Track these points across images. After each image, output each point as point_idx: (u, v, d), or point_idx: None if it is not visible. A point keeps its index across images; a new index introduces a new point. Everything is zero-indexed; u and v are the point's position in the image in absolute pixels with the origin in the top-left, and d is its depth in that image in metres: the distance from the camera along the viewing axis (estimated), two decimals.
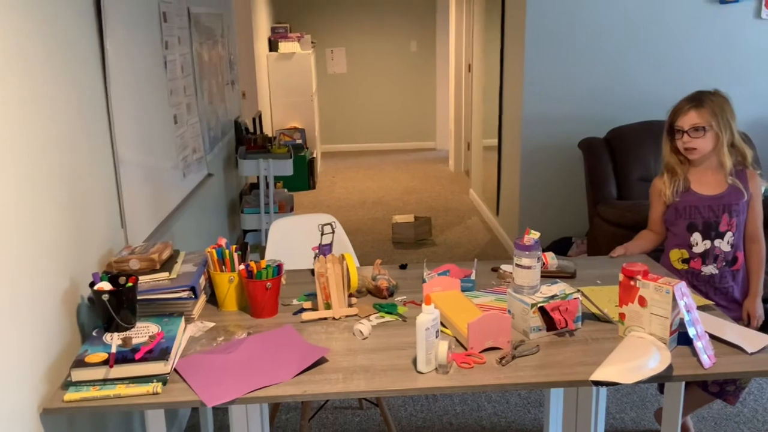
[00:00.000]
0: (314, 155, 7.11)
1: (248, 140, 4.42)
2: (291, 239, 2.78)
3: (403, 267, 2.40)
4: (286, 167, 4.23)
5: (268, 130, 6.99)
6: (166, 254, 2.07)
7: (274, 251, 2.72)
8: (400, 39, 8.79)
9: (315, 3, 8.57)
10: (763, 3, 4.35)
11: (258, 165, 4.16)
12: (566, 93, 4.50)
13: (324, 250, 2.26)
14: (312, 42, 8.34)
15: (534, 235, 1.87)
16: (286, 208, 4.42)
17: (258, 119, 5.27)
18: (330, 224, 2.27)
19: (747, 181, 2.36)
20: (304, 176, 6.88)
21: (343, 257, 2.02)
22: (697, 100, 2.32)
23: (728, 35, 4.41)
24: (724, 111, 2.31)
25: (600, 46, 4.43)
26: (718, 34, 4.40)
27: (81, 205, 1.91)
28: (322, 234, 2.25)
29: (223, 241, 2.16)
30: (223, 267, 2.02)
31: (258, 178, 4.23)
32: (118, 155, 2.18)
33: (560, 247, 4.68)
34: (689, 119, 2.31)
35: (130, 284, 1.80)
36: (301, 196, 6.72)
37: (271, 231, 2.76)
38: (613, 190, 4.07)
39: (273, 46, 7.26)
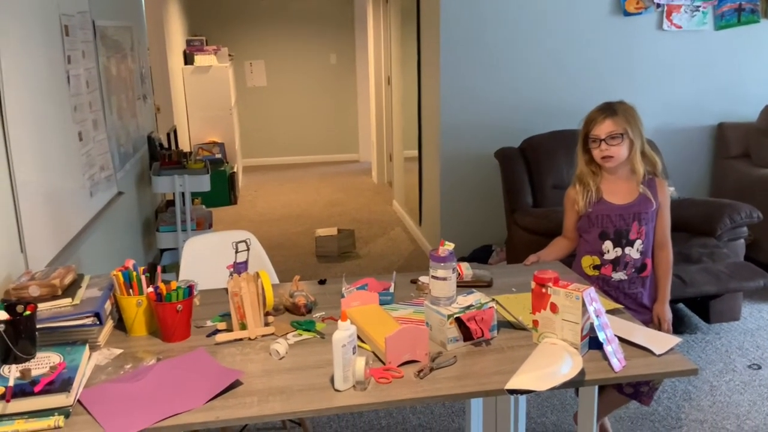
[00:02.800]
0: (235, 169, 6.99)
1: (163, 156, 4.29)
2: (206, 258, 2.70)
3: (322, 282, 2.37)
4: (203, 183, 4.13)
5: (185, 145, 6.82)
6: (68, 279, 1.97)
7: (189, 271, 2.63)
8: (319, 51, 8.77)
9: (232, 15, 8.45)
10: (665, 15, 4.57)
11: (173, 181, 4.04)
12: (482, 104, 4.59)
13: (239, 268, 2.20)
14: (230, 55, 8.21)
15: (448, 246, 1.88)
16: (204, 224, 4.31)
17: (173, 134, 5.13)
18: (245, 241, 2.22)
19: (656, 189, 2.44)
20: (224, 191, 6.74)
21: (257, 275, 1.97)
22: (610, 109, 2.39)
23: (632, 46, 4.60)
24: (636, 119, 2.39)
25: (513, 57, 4.54)
26: (623, 44, 4.59)
27: None
28: (237, 252, 2.19)
29: (130, 263, 2.07)
30: (131, 290, 1.93)
31: (174, 194, 4.11)
32: (15, 176, 2.06)
33: (481, 256, 4.76)
34: (605, 128, 2.37)
35: (27, 312, 1.70)
36: (222, 212, 6.58)
37: (184, 250, 2.67)
38: (529, 198, 4.16)
39: (188, 59, 7.11)
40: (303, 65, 8.77)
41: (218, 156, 6.81)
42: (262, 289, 1.98)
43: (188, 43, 7.37)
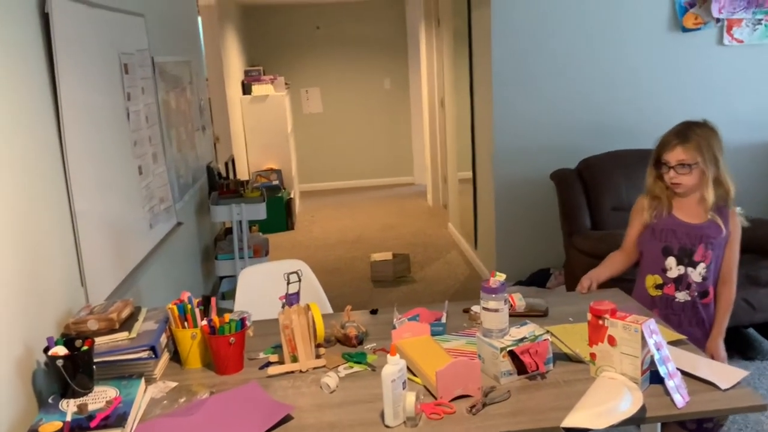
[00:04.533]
0: (291, 196, 7.08)
1: (221, 185, 4.39)
2: (261, 287, 2.72)
3: (374, 312, 2.36)
4: (259, 211, 4.19)
5: (244, 173, 6.96)
6: (126, 312, 2.01)
7: (244, 301, 2.66)
8: (373, 76, 8.85)
9: (289, 44, 8.63)
10: (725, 30, 4.43)
11: (230, 210, 4.11)
12: (536, 125, 4.53)
13: (291, 299, 2.21)
14: (286, 83, 8.37)
15: (500, 277, 1.84)
16: (261, 251, 4.37)
17: (231, 163, 5.24)
18: (296, 272, 2.23)
19: (727, 219, 2.34)
20: (281, 217, 6.83)
21: (308, 307, 1.98)
22: (684, 135, 2.29)
23: (691, 62, 4.47)
24: (711, 146, 2.28)
25: (566, 77, 4.47)
26: (682, 61, 4.46)
27: (34, 266, 1.86)
28: (288, 283, 2.20)
29: (186, 296, 2.11)
30: (186, 323, 1.96)
31: (232, 223, 4.19)
32: (75, 211, 2.13)
33: (539, 279, 4.66)
34: (675, 155, 2.29)
35: (85, 348, 1.74)
36: (279, 238, 6.67)
37: (239, 280, 2.71)
38: (587, 221, 4.06)
39: (246, 89, 7.28)
40: (358, 91, 8.86)
41: (275, 183, 6.92)
42: (313, 321, 1.98)
43: (246, 73, 7.55)
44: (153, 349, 1.88)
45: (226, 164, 4.99)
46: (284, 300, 2.22)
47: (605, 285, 2.51)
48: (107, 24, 2.66)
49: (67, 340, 1.77)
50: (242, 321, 1.97)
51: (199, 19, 5.16)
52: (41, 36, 2.01)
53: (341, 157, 9.02)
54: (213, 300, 2.01)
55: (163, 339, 1.98)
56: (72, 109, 2.15)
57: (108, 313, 1.96)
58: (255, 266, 2.78)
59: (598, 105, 4.52)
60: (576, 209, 4.09)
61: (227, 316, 1.97)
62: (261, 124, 7.15)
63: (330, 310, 2.72)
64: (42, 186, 1.96)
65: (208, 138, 4.89)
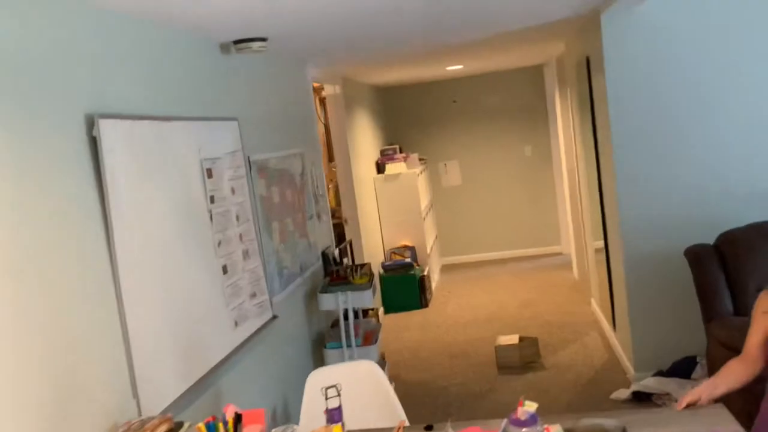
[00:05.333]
0: (425, 273, 6.98)
1: (331, 272, 4.40)
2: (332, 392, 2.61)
3: (428, 429, 2.15)
4: (365, 299, 4.12)
5: (379, 252, 6.99)
6: (161, 430, 1.99)
7: (311, 408, 2.56)
8: (513, 144, 8.64)
9: (425, 120, 8.71)
10: None
11: (336, 298, 4.09)
12: (665, 193, 4.10)
13: (333, 415, 2.08)
14: (421, 159, 8.42)
15: (529, 407, 1.58)
16: (372, 338, 4.27)
17: (348, 247, 5.27)
18: (335, 386, 2.09)
19: None
20: (414, 295, 6.74)
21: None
22: None
23: None
24: None
25: (696, 137, 4.02)
26: None
27: (71, 381, 1.90)
28: (327, 398, 2.07)
29: (229, 410, 2.06)
30: None
31: (340, 311, 4.15)
32: (127, 322, 2.18)
33: (683, 369, 4.11)
34: None
35: None
36: (411, 317, 6.56)
37: (307, 385, 2.62)
38: (728, 305, 3.53)
39: (381, 169, 7.39)
40: (497, 160, 8.68)
41: (408, 260, 6.86)
42: None
43: (382, 153, 7.69)
44: None
45: (339, 249, 5.01)
46: (327, 415, 2.09)
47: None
48: (185, 134, 2.79)
49: None
50: None
51: (316, 99, 5.32)
52: (91, 159, 2.12)
53: (484, 229, 8.81)
54: (231, 419, 1.93)
55: None
56: (122, 221, 2.23)
57: (142, 431, 1.95)
58: (323, 369, 2.68)
59: (738, 168, 4.00)
60: (714, 292, 3.57)
61: None
62: (394, 202, 7.19)
63: (401, 418, 2.54)
64: (86, 300, 2.03)
65: (325, 224, 4.96)
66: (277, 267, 3.78)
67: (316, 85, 6.35)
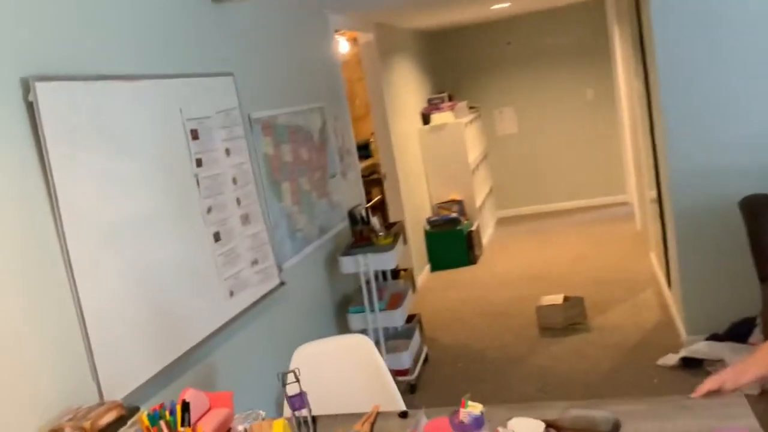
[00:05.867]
0: (474, 228, 6.67)
1: (355, 232, 4.18)
2: (317, 367, 2.42)
3: (403, 416, 1.92)
4: (387, 261, 3.89)
5: (425, 207, 6.72)
6: (107, 418, 1.85)
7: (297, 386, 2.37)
8: (573, 88, 8.08)
9: (478, 65, 8.25)
10: None
11: (357, 261, 3.88)
12: (717, 140, 3.63)
13: (293, 402, 1.88)
14: (472, 107, 8.02)
15: (473, 408, 1.33)
16: (399, 301, 4.05)
17: (381, 204, 5.03)
18: (293, 372, 1.89)
19: None
20: (461, 251, 6.46)
21: (270, 426, 1.63)
22: None
23: None
24: None
25: (749, 82, 3.51)
26: None
27: (13, 363, 1.77)
28: (284, 385, 1.87)
29: (187, 394, 1.90)
30: None
31: (361, 273, 3.95)
32: (81, 300, 2.03)
33: (741, 332, 3.71)
34: None
35: None
36: (458, 274, 6.30)
37: (293, 360, 2.43)
38: None
39: (426, 120, 7.06)
40: (556, 105, 8.16)
41: (454, 215, 6.56)
42: None
43: (429, 102, 7.34)
44: None
45: (366, 209, 4.76)
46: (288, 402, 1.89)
47: None
48: (160, 94, 2.59)
49: None
50: None
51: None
52: (29, 127, 1.95)
53: (543, 178, 8.36)
54: (179, 407, 1.75)
55: None
56: (69, 194, 2.07)
57: (83, 420, 1.81)
58: (311, 344, 2.48)
59: None
60: None
61: (200, 429, 1.71)
62: (441, 154, 6.87)
63: (394, 398, 2.32)
64: (31, 278, 1.89)
65: (353, 182, 4.73)
66: (289, 230, 3.60)
67: (348, 34, 6.05)
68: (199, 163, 2.81)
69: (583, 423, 1.64)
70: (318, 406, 2.32)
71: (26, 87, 1.95)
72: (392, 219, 5.87)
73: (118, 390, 2.15)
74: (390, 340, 4.21)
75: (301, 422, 1.88)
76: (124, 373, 2.19)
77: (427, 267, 6.49)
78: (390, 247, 3.93)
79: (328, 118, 4.40)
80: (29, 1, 2.02)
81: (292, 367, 2.43)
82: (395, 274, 4.78)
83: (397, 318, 3.94)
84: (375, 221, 4.55)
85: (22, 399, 1.81)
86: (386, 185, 5.88)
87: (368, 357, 2.43)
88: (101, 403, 1.93)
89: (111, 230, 2.21)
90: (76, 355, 2.03)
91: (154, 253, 2.42)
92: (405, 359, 3.96)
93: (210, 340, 2.68)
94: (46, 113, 1.99)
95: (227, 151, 3.05)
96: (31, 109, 1.96)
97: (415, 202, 6.35)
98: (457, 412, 1.37)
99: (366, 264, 3.88)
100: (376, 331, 3.95)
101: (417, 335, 4.27)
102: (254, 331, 3.11)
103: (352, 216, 4.54)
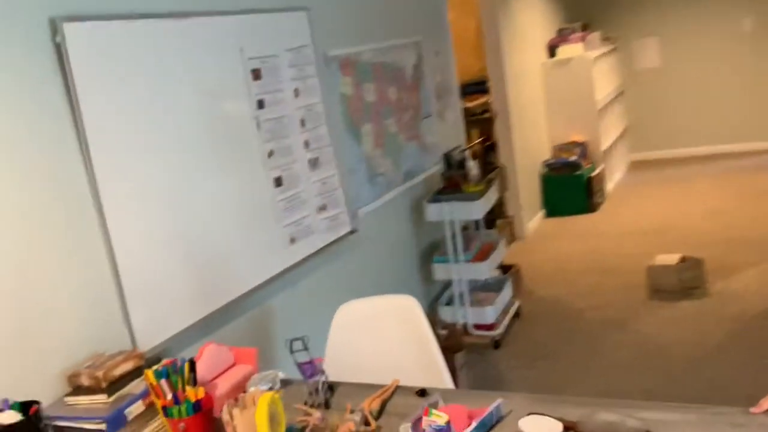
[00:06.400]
0: (596, 172, 6.16)
1: (446, 177, 3.95)
2: (359, 327, 2.30)
3: (421, 394, 1.76)
4: (472, 210, 3.64)
5: (543, 149, 6.30)
6: (122, 369, 1.84)
7: (336, 345, 2.28)
8: (727, 16, 7.12)
9: None
10: None
11: (440, 209, 3.67)
12: None
13: (305, 370, 1.77)
14: (607, 38, 7.32)
15: (437, 418, 1.14)
16: (490, 252, 3.81)
17: (490, 147, 4.73)
18: (301, 339, 1.76)
19: None
20: (580, 198, 6.02)
21: (254, 402, 1.53)
22: None
23: None
24: None
25: None
26: None
27: (37, 306, 1.80)
28: (292, 352, 1.76)
29: (209, 348, 1.86)
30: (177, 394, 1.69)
31: (446, 222, 3.74)
32: (113, 244, 2.03)
33: None
34: None
35: (20, 419, 1.62)
36: (574, 223, 5.89)
37: (335, 319, 2.32)
38: None
39: (552, 53, 6.53)
40: (706, 36, 7.25)
41: (573, 159, 6.09)
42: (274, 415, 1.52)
43: (559, 32, 6.78)
44: (110, 421, 1.67)
45: (463, 151, 4.46)
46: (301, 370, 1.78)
47: None
48: (215, 31, 2.49)
49: (24, 404, 1.67)
50: (199, 402, 1.62)
51: None
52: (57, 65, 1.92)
53: (687, 119, 7.55)
54: (187, 365, 1.69)
55: (138, 407, 1.75)
56: (102, 136, 2.05)
57: (98, 369, 1.81)
58: (356, 302, 2.35)
59: None
60: None
61: (201, 390, 1.65)
62: (564, 91, 6.35)
63: (441, 375, 2.14)
64: (60, 222, 1.90)
65: (452, 123, 4.46)
66: (368, 175, 3.45)
67: None
68: (260, 104, 2.71)
69: (609, 429, 1.39)
70: (352, 372, 2.22)
71: (54, 28, 1.91)
72: (503, 161, 5.54)
73: (152, 338, 2.15)
74: (477, 292, 4.01)
75: (312, 390, 1.78)
76: (160, 320, 2.18)
77: (541, 213, 6.13)
78: (477, 195, 3.68)
79: (426, 53, 4.13)
80: None
81: (334, 324, 2.33)
82: (491, 222, 4.52)
83: (482, 270, 3.72)
84: (471, 165, 4.29)
85: (49, 342, 1.85)
86: (497, 125, 5.54)
87: (415, 323, 2.27)
88: (122, 351, 1.93)
89: (147, 176, 2.17)
90: (108, 300, 2.03)
91: (199, 199, 2.37)
92: (489, 314, 3.75)
93: (264, 287, 2.64)
94: (75, 55, 1.94)
95: (296, 92, 2.92)
96: (59, 50, 1.92)
97: (530, 144, 5.95)
98: (419, 419, 1.19)
99: (451, 212, 3.67)
100: (460, 282, 3.76)
101: (508, 288, 4.03)
102: (319, 280, 3.04)
103: (447, 159, 4.30)
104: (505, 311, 3.94)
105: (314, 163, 3.01)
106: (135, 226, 2.11)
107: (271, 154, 2.75)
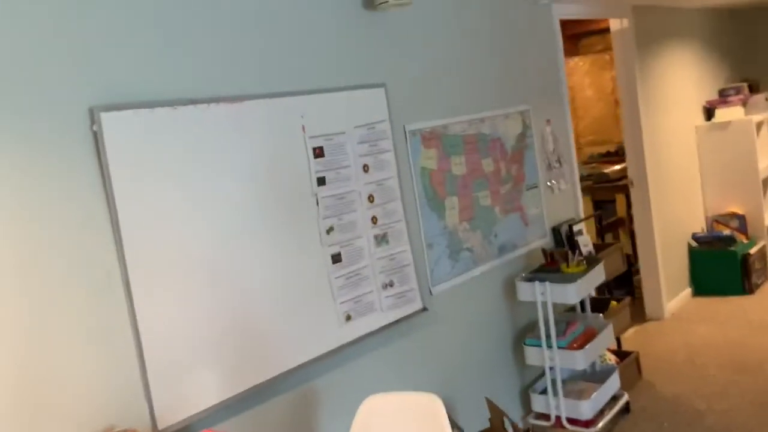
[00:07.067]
0: (755, 249, 5.44)
1: (546, 254, 3.68)
2: (378, 426, 2.18)
3: None
4: (567, 294, 3.34)
5: (694, 220, 5.70)
6: None
7: None
8: None
9: None
10: None
11: (533, 288, 3.41)
12: None
13: None
14: None
15: None
16: (588, 340, 3.46)
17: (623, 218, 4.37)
18: None
19: None
20: (734, 277, 5.33)
21: None
22: None
23: None
24: None
25: None
26: None
27: (49, 378, 1.91)
28: None
29: None
30: None
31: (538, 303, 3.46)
32: (137, 318, 2.11)
33: None
34: None
35: None
36: (723, 305, 5.22)
37: (359, 410, 2.22)
38: None
39: (709, 115, 5.95)
40: None
41: (727, 233, 5.43)
42: None
43: (720, 93, 6.18)
44: None
45: (570, 227, 4.10)
46: None
47: None
48: (275, 112, 2.55)
49: None
50: None
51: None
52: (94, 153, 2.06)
53: None
54: None
55: None
56: (135, 220, 2.15)
57: None
58: (379, 396, 2.23)
59: None
60: None
61: None
62: (720, 157, 5.73)
63: None
64: (86, 300, 2.02)
65: (565, 193, 4.18)
66: (450, 250, 3.32)
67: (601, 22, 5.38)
68: (321, 181, 2.72)
69: None
70: None
71: (92, 117, 2.05)
72: (639, 233, 5.09)
73: (175, 413, 2.19)
74: (578, 381, 3.66)
75: None
76: (185, 396, 2.22)
77: (688, 290, 5.51)
78: (574, 277, 3.38)
79: (535, 121, 3.94)
80: (113, 28, 2.12)
81: (357, 417, 2.23)
82: (603, 303, 4.13)
83: (577, 360, 3.39)
84: (582, 240, 4.00)
85: (63, 411, 1.94)
86: (633, 193, 5.11)
87: (433, 423, 2.11)
88: (125, 429, 1.98)
89: (181, 255, 2.24)
90: (130, 374, 2.11)
91: (242, 273, 2.41)
92: (585, 409, 3.39)
93: (310, 366, 2.60)
94: (110, 142, 2.08)
95: (365, 168, 2.90)
96: (96, 138, 2.06)
97: (678, 214, 5.41)
98: None
99: (543, 294, 3.41)
100: (552, 370, 3.46)
101: (614, 379, 3.63)
102: (378, 360, 2.93)
103: (556, 233, 4.03)
104: (605, 407, 3.55)
105: (381, 239, 2.95)
106: (161, 303, 2.18)
107: (330, 230, 2.74)
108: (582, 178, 5.45)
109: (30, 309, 1.90)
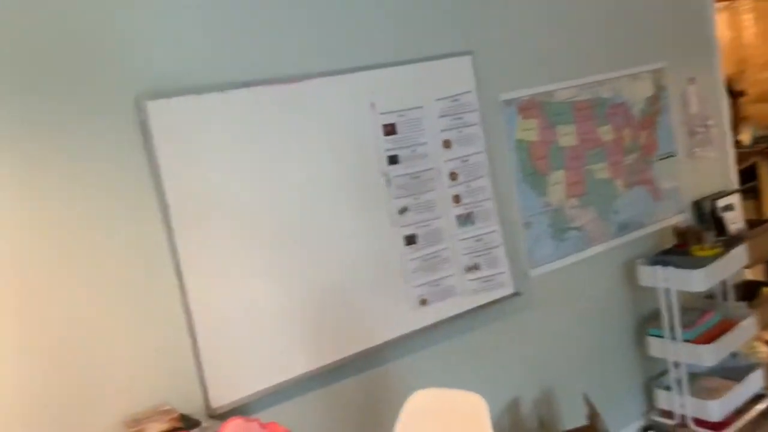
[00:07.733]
0: None
1: (679, 233, 3.22)
2: (422, 423, 2.06)
3: None
4: (691, 281, 2.89)
5: None
6: (156, 428, 1.97)
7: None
8: None
9: None
10: None
11: (654, 273, 3.00)
12: None
13: None
14: None
15: None
16: (721, 334, 2.98)
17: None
18: None
19: None
20: None
21: None
22: None
23: None
24: None
25: None
26: None
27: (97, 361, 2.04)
28: None
29: (233, 423, 1.90)
30: None
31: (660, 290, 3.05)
32: (188, 301, 2.17)
33: None
34: None
35: None
36: None
37: (405, 406, 2.11)
38: None
39: None
40: None
41: None
42: None
43: None
44: None
45: (713, 203, 3.51)
46: None
47: None
48: (340, 89, 2.47)
49: None
50: None
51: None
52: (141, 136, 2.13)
53: None
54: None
55: None
56: (181, 204, 2.20)
57: (138, 424, 1.97)
58: (427, 391, 2.11)
59: None
60: None
61: None
62: None
63: None
64: (140, 282, 2.12)
65: (712, 163, 3.63)
66: (553, 229, 3.04)
67: None
68: (393, 160, 2.60)
69: None
70: None
71: (139, 105, 2.11)
72: None
73: (232, 392, 2.24)
74: (710, 378, 3.21)
75: None
76: (241, 375, 2.26)
77: None
78: (704, 262, 2.94)
79: (673, 80, 3.44)
80: (176, 13, 2.15)
81: (404, 410, 2.13)
82: (750, 293, 3.55)
83: (703, 356, 2.97)
84: (731, 216, 3.49)
85: (114, 390, 2.07)
86: None
87: (476, 423, 1.95)
88: (166, 410, 2.06)
89: (236, 238, 2.27)
90: (183, 352, 2.18)
91: (303, 260, 2.39)
92: (712, 410, 2.97)
93: (379, 351, 2.54)
94: (158, 131, 2.13)
95: (446, 143, 2.73)
96: (143, 127, 2.13)
97: None
98: None
99: (665, 279, 3.01)
100: (677, 365, 3.07)
101: (756, 378, 3.14)
102: (458, 347, 2.78)
103: (698, 209, 3.53)
104: (740, 408, 3.08)
105: (466, 219, 2.77)
106: (215, 284, 2.23)
107: (403, 210, 2.62)
108: (756, 141, 4.75)
109: (88, 289, 2.02)
